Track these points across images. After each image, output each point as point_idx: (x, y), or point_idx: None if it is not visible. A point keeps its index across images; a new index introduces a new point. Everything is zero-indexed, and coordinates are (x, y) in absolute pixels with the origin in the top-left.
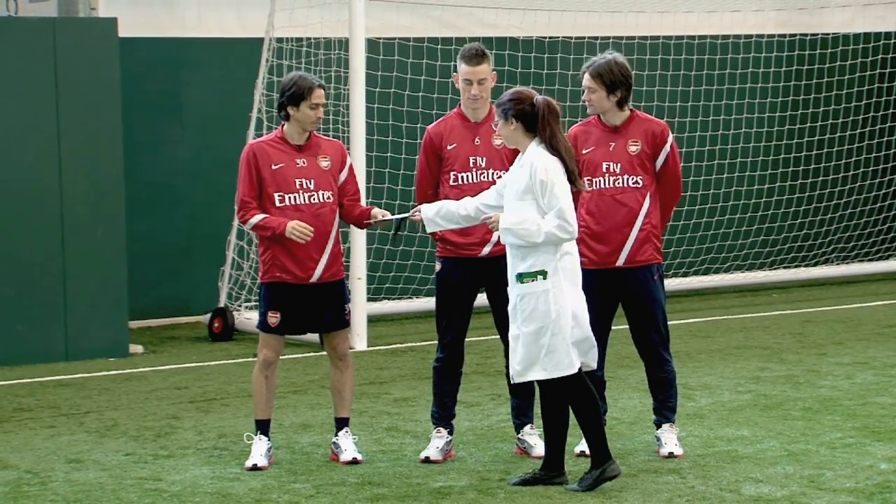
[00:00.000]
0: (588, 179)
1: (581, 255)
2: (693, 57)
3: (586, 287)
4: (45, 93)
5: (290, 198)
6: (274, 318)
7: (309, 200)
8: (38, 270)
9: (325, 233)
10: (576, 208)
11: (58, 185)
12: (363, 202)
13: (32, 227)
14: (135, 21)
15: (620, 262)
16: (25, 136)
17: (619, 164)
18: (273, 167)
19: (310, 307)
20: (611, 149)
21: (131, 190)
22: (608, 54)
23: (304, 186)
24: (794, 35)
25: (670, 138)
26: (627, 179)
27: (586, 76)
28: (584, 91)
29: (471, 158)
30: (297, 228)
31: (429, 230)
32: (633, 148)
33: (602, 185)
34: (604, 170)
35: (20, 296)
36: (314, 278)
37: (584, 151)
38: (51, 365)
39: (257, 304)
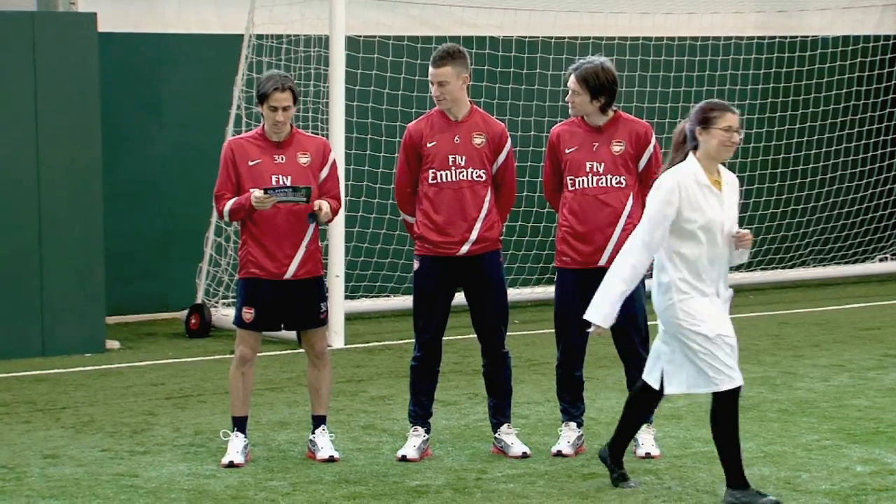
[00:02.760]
0: (571, 179)
1: (564, 254)
2: (672, 58)
3: (569, 287)
4: (23, 87)
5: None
6: (248, 314)
7: (290, 186)
8: (14, 265)
9: (300, 229)
10: (558, 207)
11: (35, 180)
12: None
13: (9, 222)
14: (114, 16)
15: (603, 261)
16: (3, 131)
17: (602, 164)
18: (250, 163)
19: (284, 304)
20: (594, 149)
21: (109, 185)
22: (597, 59)
23: (281, 183)
24: (774, 38)
25: (653, 139)
26: (611, 179)
27: (572, 78)
28: (567, 92)
29: (450, 157)
30: (258, 198)
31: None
32: (617, 148)
33: (585, 185)
34: (587, 170)
35: None
36: (288, 275)
37: (567, 151)
38: (27, 360)
39: (235, 300)
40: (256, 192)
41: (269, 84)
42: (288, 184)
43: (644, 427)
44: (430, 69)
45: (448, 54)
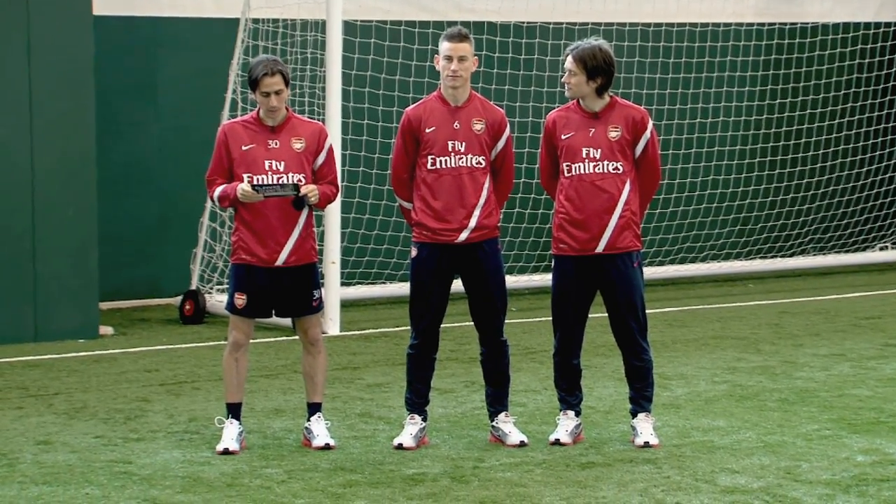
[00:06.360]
0: (567, 165)
1: (561, 241)
2: (672, 44)
3: (566, 274)
4: (17, 70)
5: (258, 179)
6: (240, 300)
7: (278, 182)
8: (7, 250)
9: (293, 217)
10: (554, 194)
11: (29, 164)
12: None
13: (3, 207)
14: None
15: (600, 248)
16: None
17: (599, 150)
18: (243, 148)
19: (276, 291)
20: (591, 134)
21: (103, 170)
22: (594, 40)
23: (274, 168)
24: (773, 24)
25: (650, 125)
26: (607, 165)
27: (569, 59)
28: (564, 73)
29: (449, 143)
30: (244, 190)
31: None
32: (614, 134)
33: (582, 171)
34: (583, 155)
35: None
36: (279, 262)
37: (563, 137)
38: (19, 345)
39: (228, 286)
40: (244, 186)
41: (258, 69)
42: (281, 169)
43: (643, 416)
44: (448, 45)
45: (466, 33)
